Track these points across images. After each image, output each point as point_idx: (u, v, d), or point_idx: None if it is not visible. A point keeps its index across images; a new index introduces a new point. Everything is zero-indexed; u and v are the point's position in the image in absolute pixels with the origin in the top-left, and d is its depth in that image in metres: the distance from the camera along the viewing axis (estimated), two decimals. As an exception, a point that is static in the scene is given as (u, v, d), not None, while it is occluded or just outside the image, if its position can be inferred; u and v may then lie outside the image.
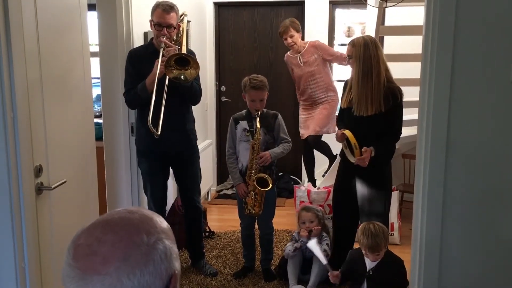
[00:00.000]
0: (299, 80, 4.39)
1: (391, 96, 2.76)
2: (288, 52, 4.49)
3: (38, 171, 1.99)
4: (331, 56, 4.38)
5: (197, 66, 2.81)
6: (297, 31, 4.31)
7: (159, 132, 2.78)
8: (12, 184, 1.82)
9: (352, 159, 2.85)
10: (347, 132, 2.81)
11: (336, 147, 4.14)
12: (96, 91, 3.91)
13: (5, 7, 1.76)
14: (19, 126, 1.83)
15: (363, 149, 2.77)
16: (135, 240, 0.82)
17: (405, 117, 3.08)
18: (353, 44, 2.82)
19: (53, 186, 2.05)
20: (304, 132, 4.43)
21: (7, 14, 1.76)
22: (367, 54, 2.76)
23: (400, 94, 2.79)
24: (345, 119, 2.98)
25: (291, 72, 4.50)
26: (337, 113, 3.60)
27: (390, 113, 2.77)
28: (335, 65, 4.77)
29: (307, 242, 3.11)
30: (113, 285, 0.79)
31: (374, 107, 2.76)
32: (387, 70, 2.83)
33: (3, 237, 1.85)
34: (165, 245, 0.85)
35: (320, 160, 4.59)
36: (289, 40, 4.29)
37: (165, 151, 3.09)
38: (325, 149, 4.48)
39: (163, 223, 0.90)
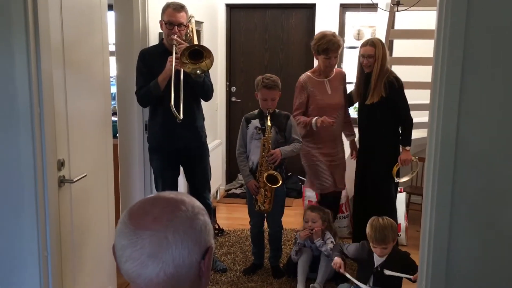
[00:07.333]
0: (323, 111, 3.39)
1: (388, 84, 3.31)
2: (309, 73, 3.52)
3: (61, 164, 2.06)
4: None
5: (210, 55, 2.84)
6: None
7: (182, 117, 2.82)
8: (37, 177, 1.89)
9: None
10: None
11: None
12: (111, 89, 3.97)
13: (35, 7, 1.83)
14: (45, 121, 1.90)
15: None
16: (181, 207, 0.94)
17: (415, 120, 3.25)
18: (374, 44, 3.35)
19: (74, 180, 2.12)
20: (329, 186, 3.55)
21: (36, 14, 1.83)
22: (385, 52, 3.36)
23: (397, 82, 3.33)
24: (359, 110, 3.57)
25: (305, 99, 3.43)
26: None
27: (391, 99, 3.32)
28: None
29: (304, 244, 3.29)
30: (160, 240, 0.89)
31: (380, 95, 3.32)
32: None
33: (28, 227, 1.92)
34: (205, 219, 0.96)
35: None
36: (333, 60, 3.40)
37: (176, 147, 3.15)
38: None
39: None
